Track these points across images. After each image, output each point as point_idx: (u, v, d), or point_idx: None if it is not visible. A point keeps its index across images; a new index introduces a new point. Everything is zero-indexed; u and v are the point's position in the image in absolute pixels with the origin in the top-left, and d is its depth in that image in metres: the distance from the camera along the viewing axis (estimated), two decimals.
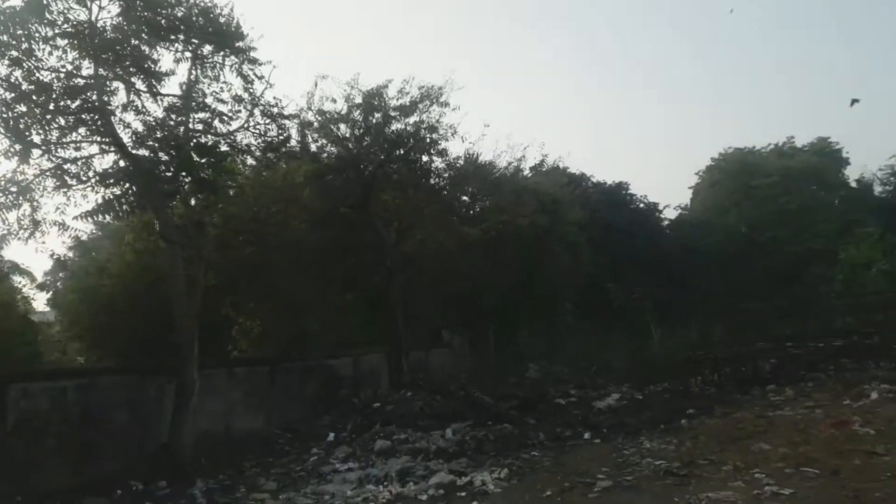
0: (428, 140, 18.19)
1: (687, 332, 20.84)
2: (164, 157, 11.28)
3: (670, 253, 32.60)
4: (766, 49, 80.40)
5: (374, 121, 17.98)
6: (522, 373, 21.33)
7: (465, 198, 22.53)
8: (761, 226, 35.41)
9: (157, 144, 11.23)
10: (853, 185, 39.21)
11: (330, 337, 17.33)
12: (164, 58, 11.38)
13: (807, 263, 31.71)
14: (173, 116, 11.60)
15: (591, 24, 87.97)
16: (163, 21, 10.90)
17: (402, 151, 18.44)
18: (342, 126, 18.38)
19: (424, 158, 19.00)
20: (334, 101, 18.14)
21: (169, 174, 11.33)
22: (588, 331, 24.43)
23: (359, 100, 17.83)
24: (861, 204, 36.68)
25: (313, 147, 18.75)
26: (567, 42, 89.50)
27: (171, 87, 12.84)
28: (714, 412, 12.62)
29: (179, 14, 11.12)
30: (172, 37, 11.15)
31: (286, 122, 13.26)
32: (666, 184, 70.89)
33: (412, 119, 18.11)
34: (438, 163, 19.50)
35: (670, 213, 38.03)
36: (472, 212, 22.97)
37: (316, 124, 18.44)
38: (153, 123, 11.26)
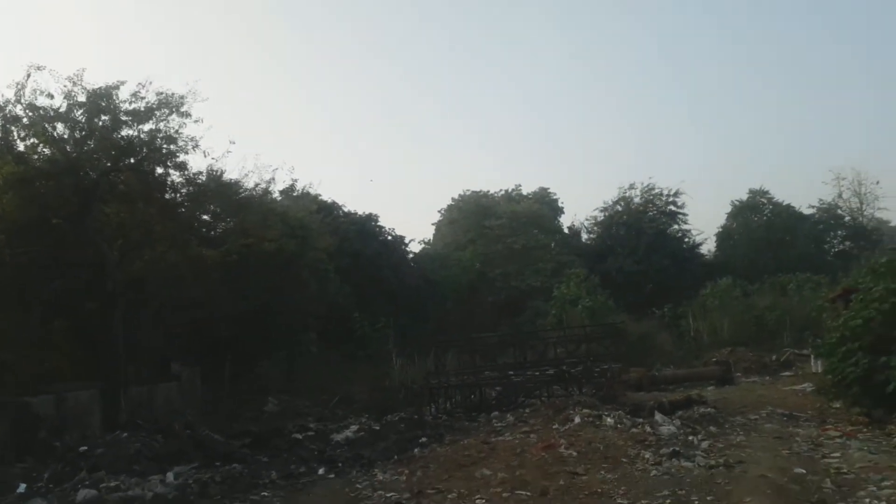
0: (164, 151, 16.55)
1: (426, 362, 21.76)
2: None
3: (413, 284, 34.09)
4: (504, 106, 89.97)
5: (101, 123, 15.88)
6: (261, 407, 20.29)
7: (205, 217, 20.96)
8: (492, 262, 38.91)
9: None
10: (566, 230, 45.30)
11: (28, 370, 14.62)
12: None
13: (528, 298, 35.56)
14: None
15: (348, 62, 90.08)
16: None
17: (132, 160, 16.49)
18: (59, 125, 15.90)
19: (159, 170, 17.24)
20: (51, 96, 15.67)
21: None
22: (332, 361, 24.24)
23: (82, 98, 15.62)
24: (571, 248, 42.50)
25: (21, 146, 15.96)
26: (326, 72, 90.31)
27: None
28: (444, 440, 13.20)
29: None
30: None
31: None
32: (412, 217, 74.63)
33: (147, 126, 16.37)
34: (176, 177, 17.83)
35: (415, 247, 39.97)
36: (213, 232, 21.43)
37: (26, 120, 15.73)
38: None
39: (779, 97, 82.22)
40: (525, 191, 45.91)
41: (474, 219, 41.95)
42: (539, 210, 42.90)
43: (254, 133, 65.89)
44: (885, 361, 11.88)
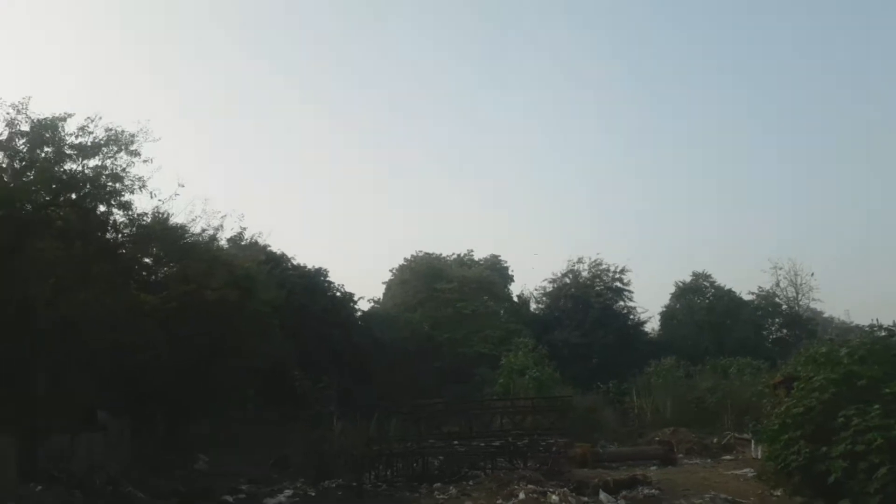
0: (109, 188, 15.96)
1: (368, 425, 21.00)
2: None
3: (360, 344, 33.36)
4: (458, 169, 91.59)
5: (43, 155, 15.26)
6: (192, 464, 19.08)
7: (147, 260, 20.16)
8: (441, 326, 38.59)
9: None
10: (515, 299, 45.54)
11: None
12: None
13: (475, 364, 35.18)
14: None
15: (308, 109, 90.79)
16: None
17: (73, 196, 15.83)
18: None
19: (102, 208, 16.56)
20: None
21: None
22: (270, 420, 23.17)
23: (25, 127, 15.05)
24: (520, 316, 42.64)
25: None
26: (283, 121, 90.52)
27: None
28: None
29: None
30: None
31: None
32: (363, 274, 73.82)
33: (93, 162, 15.87)
34: (119, 216, 17.19)
35: (364, 305, 39.38)
36: (153, 277, 20.59)
37: None
38: None
39: (724, 181, 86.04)
40: (477, 256, 46.32)
41: (425, 281, 41.78)
42: (490, 277, 43.19)
43: (203, 177, 64.73)
44: (826, 452, 12.00)
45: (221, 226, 23.34)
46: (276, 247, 31.89)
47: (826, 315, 50.06)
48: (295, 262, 33.22)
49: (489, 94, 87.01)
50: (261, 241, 29.86)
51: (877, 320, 15.39)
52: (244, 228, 28.25)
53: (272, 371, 25.31)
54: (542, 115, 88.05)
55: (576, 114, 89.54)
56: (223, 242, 25.72)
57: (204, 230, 22.17)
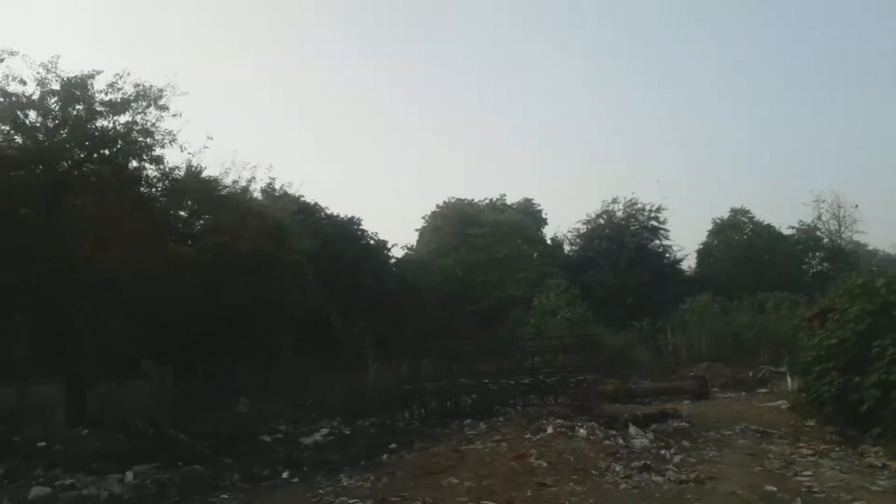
0: (140, 144, 16.23)
1: (403, 368, 21.46)
2: None
3: (395, 290, 33.77)
4: (490, 114, 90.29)
5: (75, 113, 15.54)
6: (232, 408, 19.85)
7: (181, 213, 20.58)
8: (475, 270, 38.72)
9: None
10: (549, 242, 45.28)
11: None
12: None
13: (509, 307, 35.38)
14: None
15: (335, 65, 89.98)
16: None
17: (106, 152, 16.17)
18: (31, 113, 15.55)
19: (134, 164, 16.91)
20: (24, 82, 15.34)
21: None
22: (308, 364, 23.82)
23: (56, 86, 15.28)
24: (553, 259, 42.46)
25: None
26: (311, 74, 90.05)
27: None
28: (414, 446, 12.94)
29: None
30: None
31: None
32: (397, 222, 74.20)
33: (123, 118, 16.13)
34: (151, 171, 17.53)
35: (397, 252, 39.68)
36: (188, 229, 21.04)
37: None
38: None
39: (764, 119, 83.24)
40: (510, 201, 45.95)
41: (458, 226, 41.75)
42: (523, 220, 42.88)
43: (233, 130, 65.24)
44: (859, 382, 11.87)
45: (254, 177, 23.60)
46: (309, 197, 32.19)
47: (870, 248, 48.65)
48: (328, 212, 33.49)
49: (518, 33, 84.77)
50: (293, 192, 30.15)
51: None
52: (273, 179, 28.52)
53: (310, 317, 25.92)
54: (574, 53, 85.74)
55: (608, 50, 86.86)
56: (256, 194, 26.06)
57: (235, 182, 22.44)
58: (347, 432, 15.50)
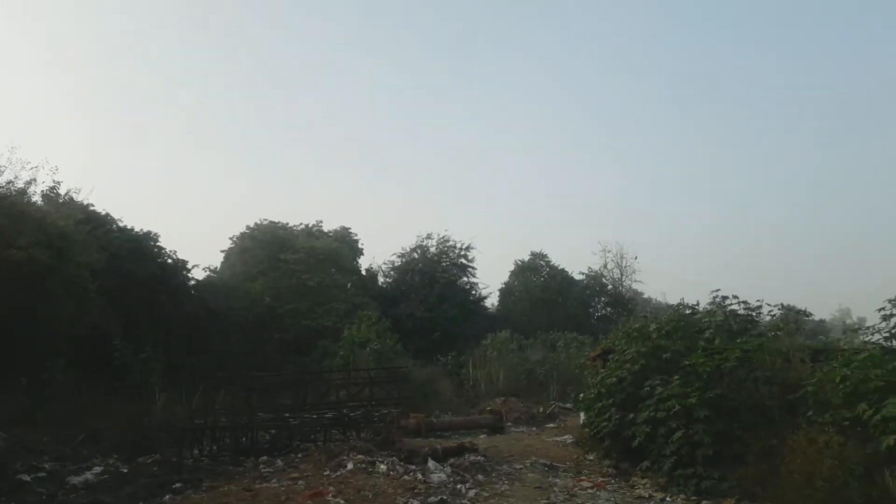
0: None
1: (196, 399, 19.80)
2: None
3: (194, 314, 31.34)
4: (306, 139, 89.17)
5: None
6: None
7: None
8: (283, 297, 37.35)
9: None
10: (363, 272, 45.28)
11: None
12: None
13: (318, 337, 34.54)
14: None
15: (138, 65, 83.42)
16: None
17: None
18: None
19: None
20: None
21: None
22: (87, 393, 21.06)
23: None
24: (367, 290, 42.49)
25: None
26: (109, 72, 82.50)
27: None
28: (202, 486, 11.92)
29: None
30: None
31: None
32: (198, 241, 69.40)
33: None
34: None
35: (198, 274, 36.95)
36: None
37: None
38: None
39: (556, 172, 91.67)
40: (326, 228, 45.31)
41: (269, 250, 40.06)
42: (339, 249, 42.38)
43: (13, 126, 57.39)
44: (633, 418, 13.17)
45: (34, 179, 20.86)
46: (100, 207, 28.99)
47: (646, 296, 55.26)
48: (121, 224, 30.36)
49: (350, 58, 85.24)
50: (80, 199, 26.97)
51: (683, 300, 17.16)
52: (58, 183, 25.36)
53: (90, 339, 23.05)
54: (391, 90, 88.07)
55: (428, 93, 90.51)
56: (36, 198, 22.98)
57: (11, 182, 19.63)
58: (125, 471, 13.86)
